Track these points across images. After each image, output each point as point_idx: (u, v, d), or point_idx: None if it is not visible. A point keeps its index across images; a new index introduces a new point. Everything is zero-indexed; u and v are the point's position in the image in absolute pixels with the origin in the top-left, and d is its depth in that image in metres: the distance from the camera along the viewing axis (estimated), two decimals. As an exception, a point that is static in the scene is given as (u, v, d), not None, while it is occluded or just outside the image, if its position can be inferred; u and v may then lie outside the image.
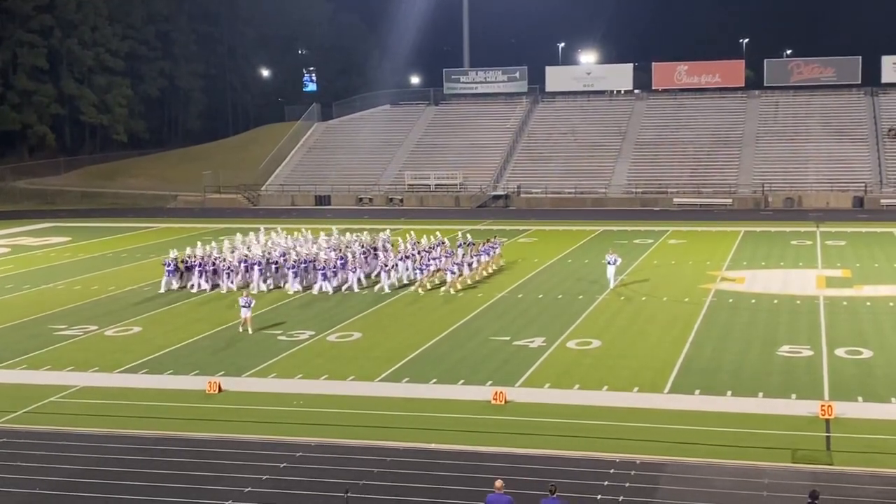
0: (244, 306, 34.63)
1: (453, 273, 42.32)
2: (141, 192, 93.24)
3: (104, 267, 51.48)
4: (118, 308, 40.33)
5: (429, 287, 42.20)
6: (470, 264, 43.80)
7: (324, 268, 42.52)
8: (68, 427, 24.91)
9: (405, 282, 43.57)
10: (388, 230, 50.20)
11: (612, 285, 41.13)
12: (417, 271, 43.13)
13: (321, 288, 42.13)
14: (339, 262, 43.58)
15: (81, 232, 67.16)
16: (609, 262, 41.65)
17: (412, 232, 49.05)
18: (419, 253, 44.55)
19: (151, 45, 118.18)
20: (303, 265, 43.77)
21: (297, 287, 42.82)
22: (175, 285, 43.86)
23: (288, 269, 43.62)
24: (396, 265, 43.57)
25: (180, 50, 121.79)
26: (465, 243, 46.83)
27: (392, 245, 47.43)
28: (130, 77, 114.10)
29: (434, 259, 43.54)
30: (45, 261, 54.29)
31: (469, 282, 43.07)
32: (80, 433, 24.44)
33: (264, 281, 43.62)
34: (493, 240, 47.20)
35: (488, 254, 45.67)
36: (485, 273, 45.11)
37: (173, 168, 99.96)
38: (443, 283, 42.68)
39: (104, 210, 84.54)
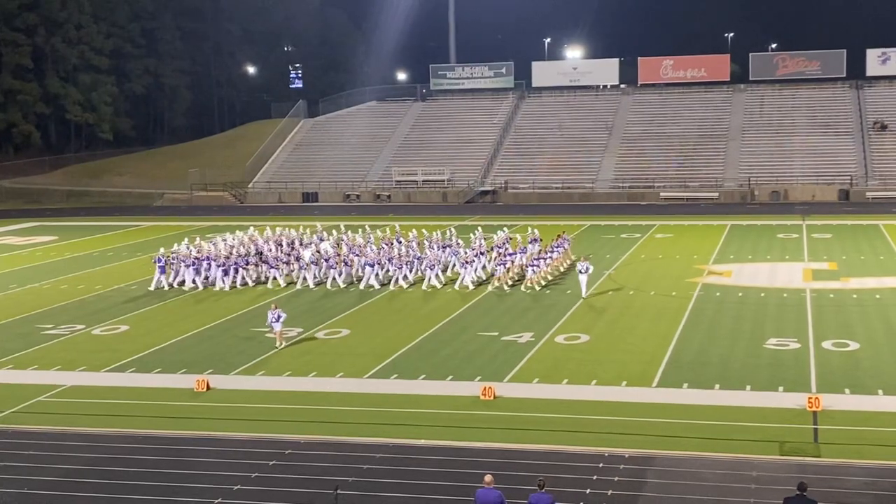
0: (274, 321, 32.30)
1: (536, 268, 41.38)
2: (127, 191, 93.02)
3: (91, 266, 51.32)
4: (105, 307, 40.22)
5: (509, 283, 41.31)
6: (544, 260, 42.75)
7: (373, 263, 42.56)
8: (56, 427, 24.82)
9: (482, 278, 42.90)
10: (452, 227, 49.89)
11: (584, 294, 38.80)
12: (500, 266, 41.95)
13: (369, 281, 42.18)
14: (386, 258, 43.66)
15: (67, 231, 66.94)
16: (580, 271, 39.18)
17: (479, 228, 48.75)
18: (493, 248, 44.10)
19: (136, 42, 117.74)
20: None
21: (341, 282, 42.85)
22: (165, 283, 43.71)
23: (330, 266, 43.46)
24: (474, 261, 42.63)
25: (165, 47, 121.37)
26: (534, 239, 46.07)
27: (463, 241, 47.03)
28: (115, 75, 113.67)
29: (511, 255, 42.68)
30: (31, 260, 54.10)
31: (549, 278, 42.01)
32: (68, 433, 24.36)
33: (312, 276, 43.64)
34: (562, 235, 46.04)
35: (559, 250, 44.62)
36: (560, 269, 44.09)
37: (159, 166, 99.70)
38: (521, 278, 42.12)
39: (90, 209, 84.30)
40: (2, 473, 21.66)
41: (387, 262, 43.60)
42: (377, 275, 42.76)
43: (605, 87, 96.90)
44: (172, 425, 24.73)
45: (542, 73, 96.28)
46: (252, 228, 52.88)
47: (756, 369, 28.24)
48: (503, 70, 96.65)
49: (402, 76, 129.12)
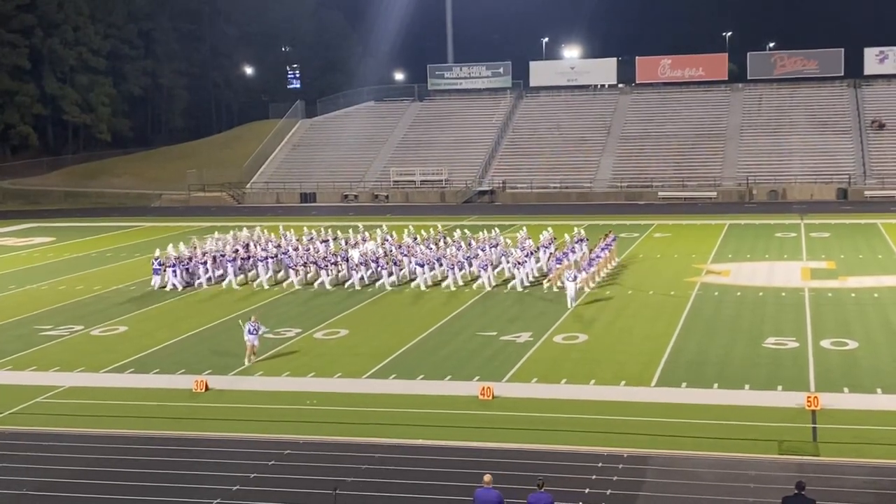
0: (251, 332, 30.59)
1: (591, 268, 41.01)
2: (125, 192, 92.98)
3: (89, 267, 51.30)
4: (103, 308, 40.21)
5: (560, 284, 40.41)
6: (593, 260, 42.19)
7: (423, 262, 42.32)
8: (55, 428, 24.81)
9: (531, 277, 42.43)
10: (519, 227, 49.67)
11: (571, 306, 36.70)
12: (555, 262, 41.49)
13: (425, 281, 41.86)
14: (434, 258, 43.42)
15: (65, 232, 66.91)
16: (568, 279, 37.34)
17: (524, 228, 48.62)
18: (540, 248, 43.85)
19: (134, 43, 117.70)
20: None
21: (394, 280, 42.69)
22: (174, 284, 43.65)
23: (380, 267, 43.14)
24: (526, 261, 42.13)
25: (163, 48, 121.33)
26: (580, 239, 45.63)
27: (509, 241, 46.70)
28: (113, 76, 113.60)
29: (565, 254, 42.36)
30: (30, 261, 54.07)
31: (597, 278, 41.53)
32: (67, 433, 24.35)
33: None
34: (609, 234, 45.60)
35: (607, 250, 44.11)
36: (607, 268, 43.73)
37: (157, 167, 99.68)
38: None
39: (88, 210, 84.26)
40: (1, 474, 21.65)
41: (436, 262, 43.09)
42: (428, 275, 42.25)
43: (602, 86, 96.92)
44: (171, 426, 24.72)
45: (540, 72, 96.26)
46: (258, 228, 52.83)
47: (754, 368, 28.25)
48: (501, 70, 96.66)
49: (399, 76, 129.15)
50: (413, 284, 41.98)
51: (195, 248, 46.84)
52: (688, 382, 27.06)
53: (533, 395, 26.34)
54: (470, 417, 24.63)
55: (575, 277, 37.13)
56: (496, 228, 48.27)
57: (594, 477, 20.45)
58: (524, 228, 48.57)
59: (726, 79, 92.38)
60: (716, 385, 26.75)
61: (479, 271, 42.20)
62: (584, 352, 30.94)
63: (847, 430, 22.87)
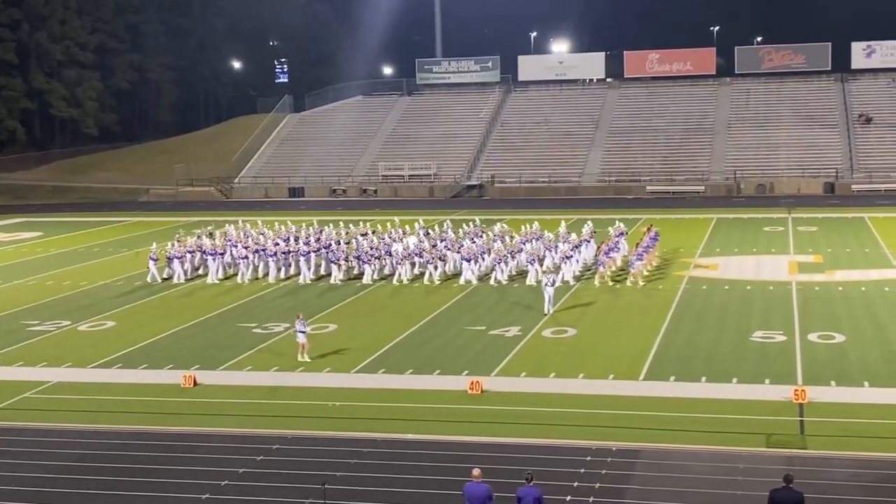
0: (301, 330, 30.04)
1: (640, 262, 40.73)
2: (113, 186, 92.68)
3: (76, 262, 51.13)
4: (91, 303, 40.10)
5: (608, 280, 40.48)
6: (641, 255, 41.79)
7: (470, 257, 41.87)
8: (42, 423, 24.73)
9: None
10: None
11: (548, 311, 35.03)
12: (604, 256, 41.13)
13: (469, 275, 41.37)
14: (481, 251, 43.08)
15: (53, 227, 66.69)
16: (546, 284, 35.37)
17: (564, 222, 48.38)
18: (582, 242, 43.70)
19: (121, 37, 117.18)
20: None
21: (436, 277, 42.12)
22: (181, 275, 43.61)
23: (426, 262, 42.77)
24: (572, 255, 41.86)
25: (150, 42, 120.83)
26: (621, 233, 45.55)
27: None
28: (100, 70, 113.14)
29: (612, 250, 42.21)
30: (17, 256, 53.86)
31: (645, 273, 41.25)
32: (55, 429, 24.28)
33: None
34: (652, 228, 45.39)
35: (654, 244, 44.01)
36: (653, 264, 43.52)
37: (145, 161, 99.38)
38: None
39: (76, 204, 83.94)
40: (-12, 470, 21.60)
41: (481, 256, 42.69)
42: (474, 269, 41.84)
43: (591, 80, 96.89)
44: (159, 421, 24.68)
45: (529, 67, 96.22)
46: (259, 223, 52.69)
47: (742, 362, 28.34)
48: (489, 64, 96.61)
49: (388, 70, 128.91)
50: (462, 280, 41.33)
51: (211, 237, 47.05)
52: (676, 376, 27.13)
53: (522, 390, 26.38)
54: (459, 412, 24.65)
55: (553, 282, 35.45)
56: (536, 222, 48.03)
57: (583, 470, 20.48)
58: (563, 223, 48.13)
59: (714, 73, 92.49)
60: (704, 378, 26.82)
61: (528, 265, 41.79)
62: (572, 346, 30.99)
63: (834, 424, 22.95)
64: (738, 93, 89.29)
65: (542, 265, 40.92)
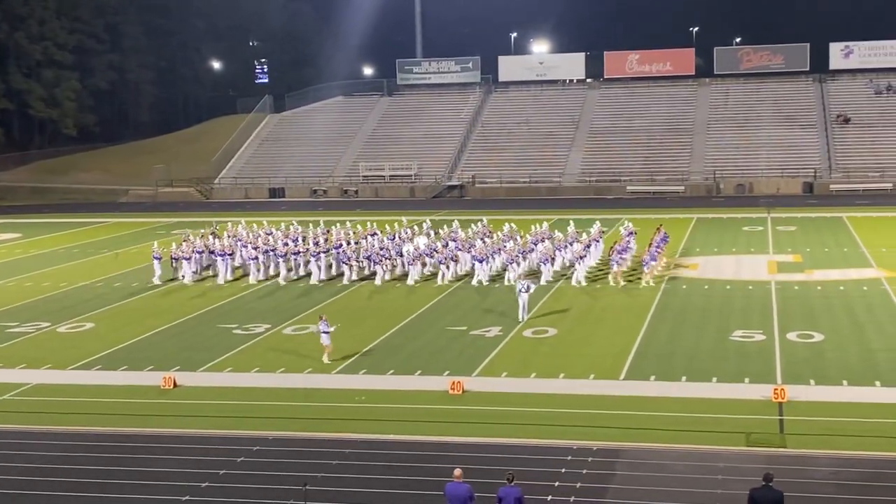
0: (324, 331, 29.75)
1: (654, 262, 40.82)
2: (92, 187, 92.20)
3: (56, 263, 50.86)
4: (71, 304, 39.90)
5: (621, 281, 40.32)
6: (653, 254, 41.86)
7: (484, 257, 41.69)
8: (21, 425, 24.60)
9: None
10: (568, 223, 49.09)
11: (523, 318, 34.23)
12: (614, 262, 41.01)
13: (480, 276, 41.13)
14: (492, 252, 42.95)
15: (32, 228, 66.32)
16: (521, 290, 34.65)
17: (572, 222, 48.50)
18: (592, 243, 43.62)
19: (100, 38, 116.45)
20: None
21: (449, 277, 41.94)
22: (187, 276, 43.40)
23: (439, 262, 42.52)
24: (585, 255, 41.81)
25: (130, 42, 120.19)
26: (631, 232, 45.61)
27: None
28: (79, 70, 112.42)
29: (625, 250, 42.14)
30: (-5, 257, 53.55)
31: (656, 273, 41.25)
32: (34, 431, 24.16)
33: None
34: (661, 228, 45.38)
35: (663, 244, 43.96)
36: (663, 263, 43.44)
37: (124, 162, 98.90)
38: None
39: (55, 205, 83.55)
40: (-34, 473, 21.47)
41: (492, 256, 42.48)
42: (487, 270, 41.68)
43: (571, 81, 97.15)
44: (139, 423, 24.59)
45: (509, 67, 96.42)
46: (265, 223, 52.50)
47: (722, 361, 28.46)
48: (470, 64, 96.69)
49: (368, 71, 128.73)
50: (474, 281, 41.13)
51: (215, 236, 47.01)
52: (656, 375, 27.22)
53: (503, 390, 26.41)
54: (440, 412, 24.66)
55: (528, 288, 34.69)
56: (546, 222, 47.97)
57: (564, 470, 20.53)
58: (571, 224, 48.08)
59: (693, 73, 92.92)
60: (684, 378, 26.93)
61: (540, 265, 41.71)
62: (553, 346, 31.04)
63: (813, 422, 23.08)
64: (717, 93, 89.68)
65: (553, 265, 40.99)
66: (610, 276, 40.90)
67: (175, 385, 27.49)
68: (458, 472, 17.04)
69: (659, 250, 42.45)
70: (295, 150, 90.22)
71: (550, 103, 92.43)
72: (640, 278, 40.68)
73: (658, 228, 45.36)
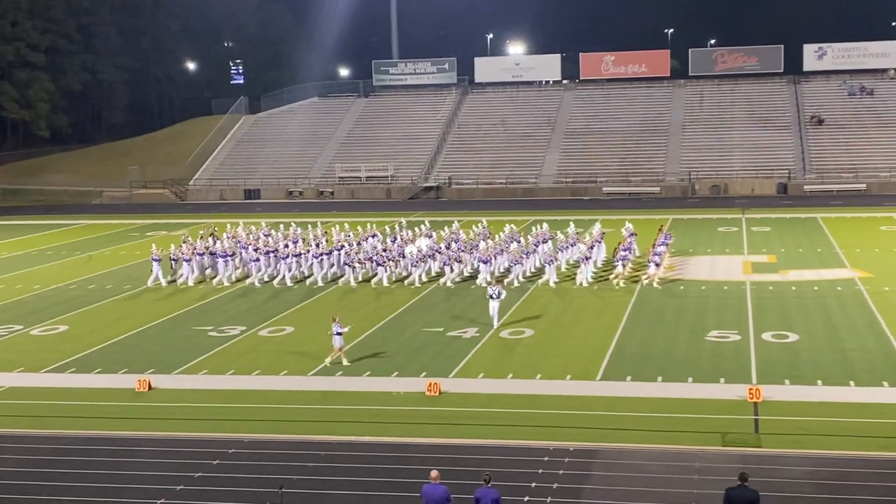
0: (336, 333, 29.41)
1: (657, 264, 40.76)
2: (65, 189, 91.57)
3: (28, 265, 50.47)
4: (44, 307, 39.59)
5: (622, 282, 40.26)
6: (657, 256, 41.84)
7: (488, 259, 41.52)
8: (-6, 429, 24.40)
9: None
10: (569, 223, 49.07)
11: (495, 324, 33.53)
12: (619, 263, 41.19)
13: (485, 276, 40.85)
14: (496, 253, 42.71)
15: (4, 230, 65.78)
16: (492, 296, 33.81)
17: (573, 223, 48.36)
18: (594, 242, 43.47)
19: (73, 38, 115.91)
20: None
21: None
22: (189, 278, 43.14)
23: (443, 263, 42.32)
24: (589, 256, 41.63)
25: (103, 43, 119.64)
26: (633, 233, 45.46)
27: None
28: (52, 71, 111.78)
29: (627, 250, 42.11)
30: (-33, 260, 53.07)
31: (661, 274, 41.07)
32: (7, 434, 23.96)
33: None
34: (663, 228, 45.23)
35: (667, 244, 43.98)
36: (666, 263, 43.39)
37: (98, 163, 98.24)
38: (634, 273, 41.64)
39: (27, 207, 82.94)
40: (-62, 478, 21.24)
41: (494, 258, 42.25)
42: (491, 271, 41.42)
43: (547, 82, 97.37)
44: (114, 426, 24.42)
45: (485, 68, 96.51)
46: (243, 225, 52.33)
47: (698, 361, 28.56)
48: (446, 66, 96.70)
49: (344, 72, 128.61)
50: (478, 282, 40.88)
51: (213, 237, 46.83)
52: (632, 376, 27.28)
53: (479, 391, 26.40)
54: (417, 413, 24.62)
55: (499, 294, 33.88)
56: (545, 223, 47.97)
57: (540, 471, 20.54)
58: (572, 224, 48.10)
59: (668, 75, 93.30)
60: (660, 378, 27.00)
61: (546, 266, 41.62)
62: (529, 347, 31.05)
63: (788, 422, 23.19)
64: (692, 94, 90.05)
65: (554, 266, 41.22)
66: (617, 278, 40.93)
67: (150, 388, 27.33)
68: (434, 473, 17.02)
69: (663, 250, 42.60)
70: (270, 152, 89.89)
71: (526, 104, 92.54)
72: (643, 279, 40.61)
73: (660, 229, 45.51)
